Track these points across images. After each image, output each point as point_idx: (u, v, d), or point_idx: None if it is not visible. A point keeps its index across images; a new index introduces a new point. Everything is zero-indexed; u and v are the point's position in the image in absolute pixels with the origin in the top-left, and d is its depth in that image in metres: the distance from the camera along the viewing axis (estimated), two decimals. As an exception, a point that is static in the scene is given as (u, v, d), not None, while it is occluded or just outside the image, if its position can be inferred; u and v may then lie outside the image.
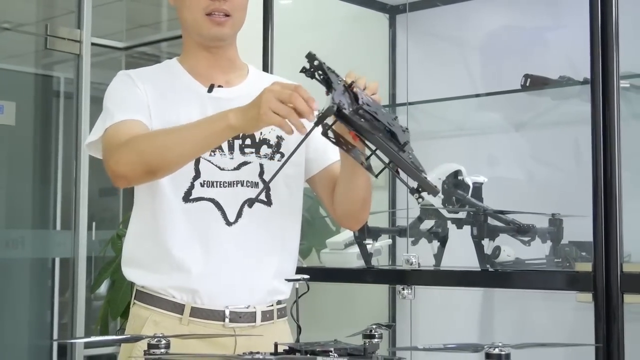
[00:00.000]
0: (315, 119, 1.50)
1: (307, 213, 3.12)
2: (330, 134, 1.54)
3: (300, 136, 1.55)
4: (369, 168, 1.59)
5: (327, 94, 1.52)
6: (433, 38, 3.38)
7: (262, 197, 1.83)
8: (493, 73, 3.18)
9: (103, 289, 3.59)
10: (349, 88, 1.55)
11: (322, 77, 1.54)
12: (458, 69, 3.28)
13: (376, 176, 1.60)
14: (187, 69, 1.89)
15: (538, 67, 2.93)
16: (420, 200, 1.53)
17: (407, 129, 1.63)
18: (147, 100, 1.80)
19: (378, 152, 1.55)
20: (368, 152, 1.59)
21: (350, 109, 1.50)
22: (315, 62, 1.54)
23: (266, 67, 2.97)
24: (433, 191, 1.52)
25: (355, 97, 1.53)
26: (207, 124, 1.66)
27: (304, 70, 1.54)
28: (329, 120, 1.51)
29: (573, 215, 2.59)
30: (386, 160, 1.55)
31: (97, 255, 3.76)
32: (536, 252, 2.62)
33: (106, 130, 1.77)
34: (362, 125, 1.50)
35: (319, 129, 1.51)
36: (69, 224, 3.49)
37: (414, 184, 1.54)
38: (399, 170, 1.54)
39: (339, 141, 1.55)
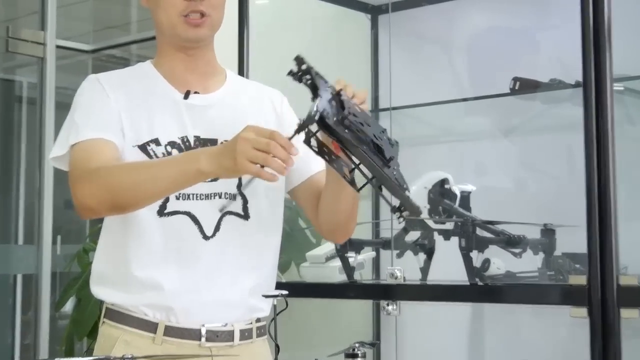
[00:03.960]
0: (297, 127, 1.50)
1: (285, 224, 3.07)
2: (314, 142, 1.53)
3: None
4: (351, 182, 1.60)
5: (313, 100, 1.52)
6: (417, 39, 3.39)
7: (239, 210, 1.83)
8: (481, 76, 3.20)
9: (68, 307, 3.55)
10: (336, 95, 1.56)
11: (309, 82, 1.54)
12: (444, 72, 3.29)
13: (358, 190, 1.60)
14: (162, 73, 1.88)
15: (528, 69, 2.94)
16: (401, 219, 1.53)
17: (396, 142, 1.64)
18: (118, 110, 1.80)
19: (361, 166, 1.56)
20: (352, 165, 1.59)
21: (335, 119, 1.51)
22: (304, 66, 1.54)
23: (242, 70, 2.96)
24: (415, 211, 1.52)
25: (342, 106, 1.54)
26: (178, 165, 1.66)
27: (291, 74, 1.54)
28: (313, 128, 1.51)
29: (566, 225, 2.59)
30: (369, 174, 1.55)
31: (62, 271, 3.72)
32: (528, 264, 2.62)
33: (72, 147, 1.76)
34: (346, 136, 1.51)
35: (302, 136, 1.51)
36: (32, 237, 3.46)
37: (396, 202, 1.54)
38: (382, 186, 1.54)
39: (321, 151, 1.56)
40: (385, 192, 1.55)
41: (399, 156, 1.61)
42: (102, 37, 4.43)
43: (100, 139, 1.75)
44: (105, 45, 4.33)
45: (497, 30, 3.19)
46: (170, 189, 1.69)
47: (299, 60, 1.54)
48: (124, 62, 4.36)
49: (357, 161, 1.56)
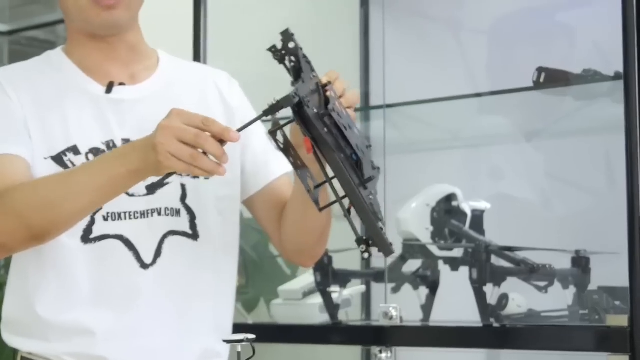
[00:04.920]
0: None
1: (253, 252, 3.11)
2: (281, 137, 1.54)
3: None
4: (315, 200, 1.61)
5: (293, 84, 1.54)
6: (419, 20, 3.41)
7: (186, 228, 1.83)
8: (498, 66, 3.21)
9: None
10: (322, 89, 1.57)
11: (292, 64, 1.56)
12: (452, 61, 3.30)
13: (320, 210, 1.62)
14: (76, 63, 1.88)
15: (556, 58, 2.96)
16: (366, 255, 1.53)
17: (378, 167, 1.66)
18: (23, 114, 1.79)
19: (334, 181, 1.56)
20: (323, 177, 1.59)
21: (315, 111, 1.52)
22: (291, 44, 1.55)
23: (197, 58, 2.96)
24: (386, 250, 1.53)
25: (325, 103, 1.55)
26: (103, 169, 1.65)
27: (273, 50, 1.56)
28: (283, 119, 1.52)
29: (603, 253, 2.61)
30: (340, 192, 1.56)
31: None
32: (555, 301, 2.63)
33: None
34: (323, 135, 1.52)
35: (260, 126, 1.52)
36: None
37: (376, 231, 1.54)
38: (353, 209, 1.55)
39: (287, 150, 1.56)
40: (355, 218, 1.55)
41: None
42: (21, 15, 4.42)
43: (4, 155, 1.75)
44: (26, 26, 4.32)
45: (519, 10, 3.20)
46: (97, 202, 1.68)
47: (287, 36, 1.55)
48: (50, 47, 4.34)
49: (330, 173, 1.56)
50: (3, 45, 4.28)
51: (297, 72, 1.55)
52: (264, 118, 1.56)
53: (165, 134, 1.54)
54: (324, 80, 1.60)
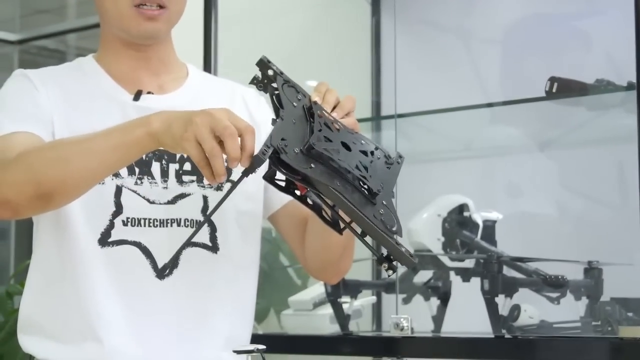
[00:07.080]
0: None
1: (263, 262, 3.11)
2: (280, 175, 1.53)
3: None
4: (334, 223, 1.60)
5: (273, 123, 1.52)
6: (430, 29, 3.41)
7: (206, 240, 1.84)
8: (510, 75, 3.21)
9: (-13, 366, 3.55)
10: (308, 111, 1.56)
11: (275, 93, 1.54)
12: (463, 70, 3.30)
13: (341, 232, 1.62)
14: (106, 70, 1.90)
15: (568, 67, 2.96)
16: (390, 272, 1.53)
17: (400, 157, 1.64)
18: (50, 109, 1.81)
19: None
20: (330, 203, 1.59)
21: (296, 150, 1.49)
22: (269, 72, 1.55)
23: (208, 69, 2.97)
24: (407, 263, 1.52)
25: (312, 127, 1.53)
26: (120, 130, 1.64)
27: (255, 82, 1.55)
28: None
29: (616, 264, 2.61)
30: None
31: (-21, 320, 3.71)
32: (568, 312, 2.63)
33: None
34: (309, 174, 1.49)
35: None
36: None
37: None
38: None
39: (289, 186, 1.56)
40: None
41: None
42: (31, 24, 4.44)
43: (24, 132, 1.76)
44: (36, 35, 4.34)
45: (531, 18, 3.21)
46: (109, 164, 1.65)
47: (263, 65, 1.54)
48: (59, 56, 4.38)
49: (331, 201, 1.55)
50: (13, 54, 4.30)
51: (279, 102, 1.53)
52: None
53: (205, 118, 1.51)
54: (314, 98, 1.59)
